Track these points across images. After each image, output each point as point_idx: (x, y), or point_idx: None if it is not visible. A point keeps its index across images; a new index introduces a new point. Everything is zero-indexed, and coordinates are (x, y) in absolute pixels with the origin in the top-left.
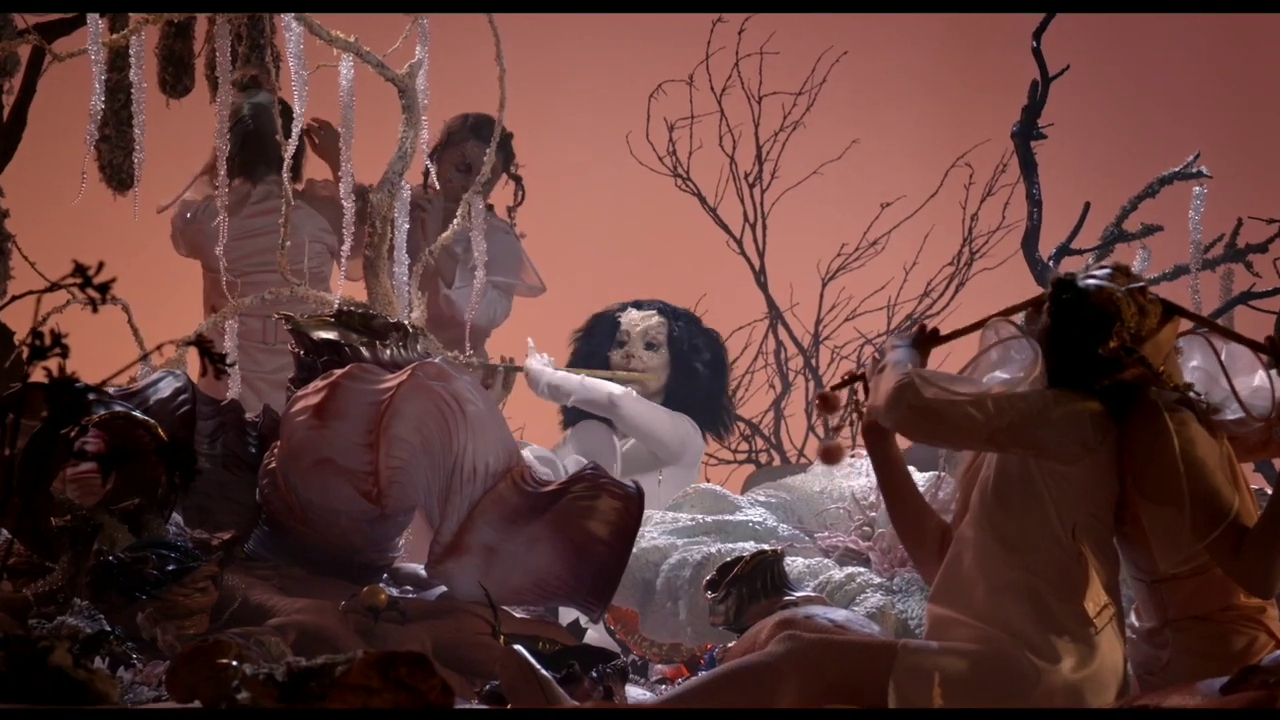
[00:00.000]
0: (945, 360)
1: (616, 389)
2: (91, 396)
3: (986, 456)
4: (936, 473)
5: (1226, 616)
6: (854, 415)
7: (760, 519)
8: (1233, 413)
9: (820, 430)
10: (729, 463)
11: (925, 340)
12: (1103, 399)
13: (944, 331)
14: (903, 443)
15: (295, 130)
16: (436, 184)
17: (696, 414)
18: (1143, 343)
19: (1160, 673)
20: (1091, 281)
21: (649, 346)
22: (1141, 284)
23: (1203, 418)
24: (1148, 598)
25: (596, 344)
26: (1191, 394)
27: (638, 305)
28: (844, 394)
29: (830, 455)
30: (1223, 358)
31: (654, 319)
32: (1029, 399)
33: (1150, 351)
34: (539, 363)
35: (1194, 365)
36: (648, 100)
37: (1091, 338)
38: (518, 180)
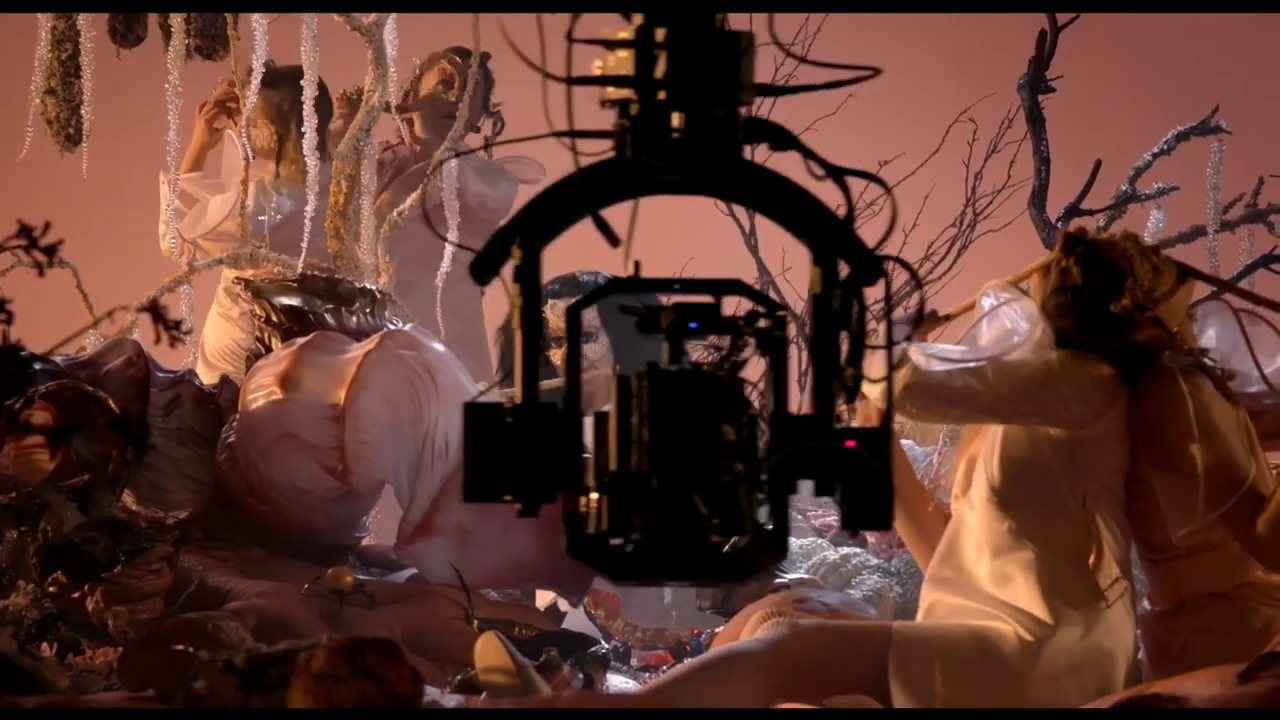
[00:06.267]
0: (942, 333)
1: None
2: (38, 366)
3: (987, 430)
4: (936, 448)
5: (1243, 593)
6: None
7: None
8: (1252, 385)
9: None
10: None
11: (925, 323)
12: (1113, 361)
13: (942, 312)
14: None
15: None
16: (406, 139)
17: None
18: (1156, 304)
19: (1176, 657)
20: (1104, 236)
21: (587, 339)
22: (1155, 245)
23: (1219, 384)
24: (1160, 579)
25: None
26: (1207, 360)
27: (553, 293)
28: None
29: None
30: (1245, 329)
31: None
32: (1031, 365)
33: (1164, 314)
34: None
35: (1211, 334)
36: None
37: (1103, 294)
38: (497, 115)
